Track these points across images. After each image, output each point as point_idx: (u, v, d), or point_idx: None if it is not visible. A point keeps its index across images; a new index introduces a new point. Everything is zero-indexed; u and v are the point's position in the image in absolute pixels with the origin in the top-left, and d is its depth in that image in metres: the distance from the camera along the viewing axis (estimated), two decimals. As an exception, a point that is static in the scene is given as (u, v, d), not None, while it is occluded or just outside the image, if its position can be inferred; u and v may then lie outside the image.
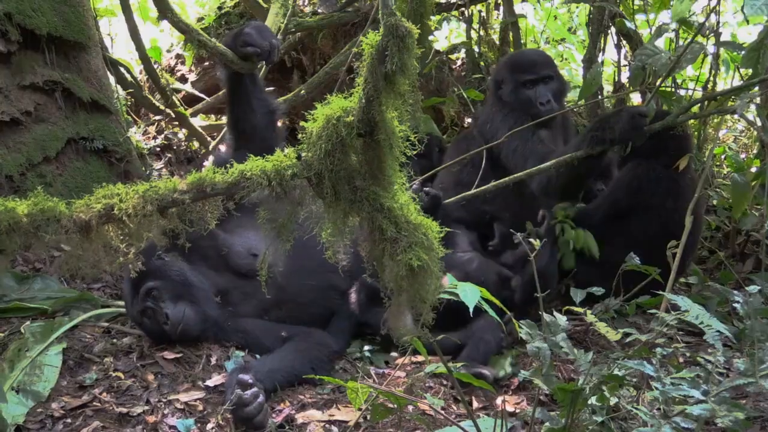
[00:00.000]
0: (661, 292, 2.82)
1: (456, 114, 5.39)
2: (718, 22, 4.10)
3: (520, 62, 4.28)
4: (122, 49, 5.86)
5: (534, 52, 4.70)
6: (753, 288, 2.48)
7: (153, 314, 3.06)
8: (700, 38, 3.74)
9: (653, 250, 3.49)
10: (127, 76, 4.94)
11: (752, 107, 3.84)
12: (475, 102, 5.17)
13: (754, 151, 5.34)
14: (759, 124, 3.62)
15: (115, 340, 3.19)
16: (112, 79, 4.59)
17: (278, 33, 4.13)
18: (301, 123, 2.11)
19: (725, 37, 4.87)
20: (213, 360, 3.08)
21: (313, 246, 3.15)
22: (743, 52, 3.63)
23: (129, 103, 5.50)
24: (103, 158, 4.14)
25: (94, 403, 2.76)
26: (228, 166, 2.11)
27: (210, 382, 2.93)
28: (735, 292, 2.56)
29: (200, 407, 2.80)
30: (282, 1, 4.04)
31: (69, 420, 2.67)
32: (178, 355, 3.08)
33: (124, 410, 2.72)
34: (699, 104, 3.97)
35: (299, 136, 2.12)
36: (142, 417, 2.71)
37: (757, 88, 3.64)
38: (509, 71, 4.25)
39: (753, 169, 4.29)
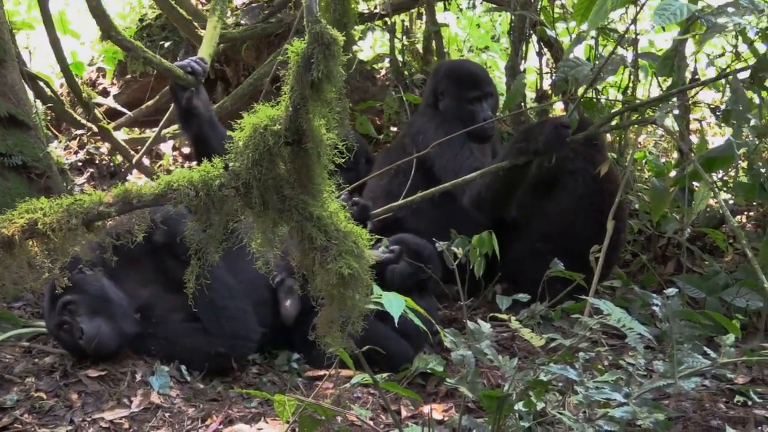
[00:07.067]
0: (584, 297, 2.86)
1: (392, 117, 5.41)
2: (636, 32, 4.19)
3: (465, 77, 4.32)
4: (41, 63, 5.75)
5: (475, 66, 4.74)
6: (671, 291, 2.53)
7: (69, 328, 3.02)
8: (619, 48, 3.81)
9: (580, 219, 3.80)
10: (47, 90, 4.86)
11: (670, 115, 3.94)
12: (412, 105, 5.19)
13: (675, 155, 5.46)
14: (677, 131, 3.71)
15: (36, 360, 3.12)
16: (30, 94, 4.50)
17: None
18: (228, 132, 2.10)
19: (643, 43, 4.99)
20: (138, 376, 3.03)
21: (244, 261, 3.15)
22: (659, 61, 3.73)
23: (49, 117, 5.41)
24: (22, 174, 4.05)
25: (16, 425, 2.68)
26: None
27: (135, 406, 2.89)
28: (654, 295, 2.61)
29: (126, 425, 2.75)
30: (219, 14, 4.02)
31: (-11, 444, 2.61)
32: (102, 373, 3.01)
33: (47, 431, 2.66)
34: (620, 115, 4.06)
35: (226, 146, 2.11)
36: (67, 437, 2.66)
37: (675, 99, 3.74)
38: (453, 85, 4.29)
39: (673, 174, 4.39)
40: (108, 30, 3.64)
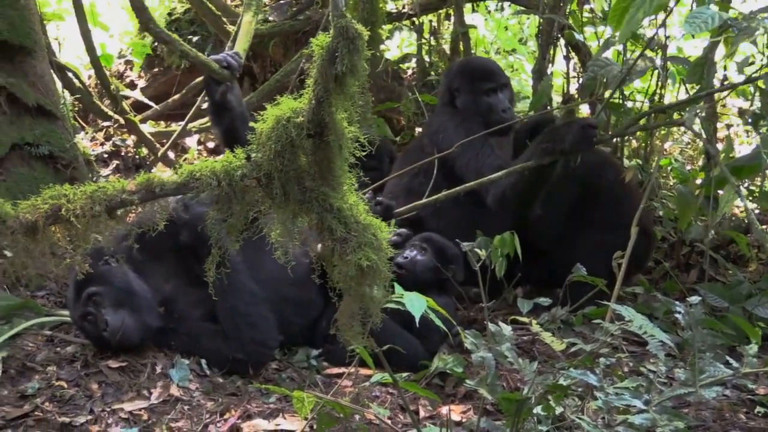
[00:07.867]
0: (606, 303, 2.84)
1: (411, 118, 5.40)
2: (666, 37, 4.16)
3: (478, 70, 4.31)
4: (70, 54, 5.78)
5: (486, 59, 4.77)
6: (694, 299, 2.51)
7: (94, 320, 3.03)
8: (648, 52, 3.78)
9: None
10: (75, 81, 4.89)
11: (698, 120, 3.90)
12: (429, 106, 5.18)
13: (700, 163, 5.42)
14: (704, 136, 3.68)
15: (58, 349, 3.13)
16: (59, 85, 4.53)
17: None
18: (251, 124, 2.11)
19: (671, 50, 4.95)
20: (158, 368, 3.04)
21: (267, 258, 3.15)
22: (689, 67, 3.70)
23: (77, 108, 5.44)
24: (48, 164, 4.07)
25: (36, 413, 2.70)
26: None
27: (154, 398, 2.89)
28: (677, 302, 2.59)
29: (145, 417, 2.76)
30: (254, 9, 4.05)
31: (9, 430, 2.61)
32: (123, 364, 3.03)
33: (67, 420, 2.67)
34: (647, 116, 4.03)
35: (249, 137, 2.11)
36: (86, 427, 2.66)
37: (703, 102, 3.71)
38: (467, 80, 4.27)
39: (698, 181, 4.35)
40: (147, 23, 3.70)
